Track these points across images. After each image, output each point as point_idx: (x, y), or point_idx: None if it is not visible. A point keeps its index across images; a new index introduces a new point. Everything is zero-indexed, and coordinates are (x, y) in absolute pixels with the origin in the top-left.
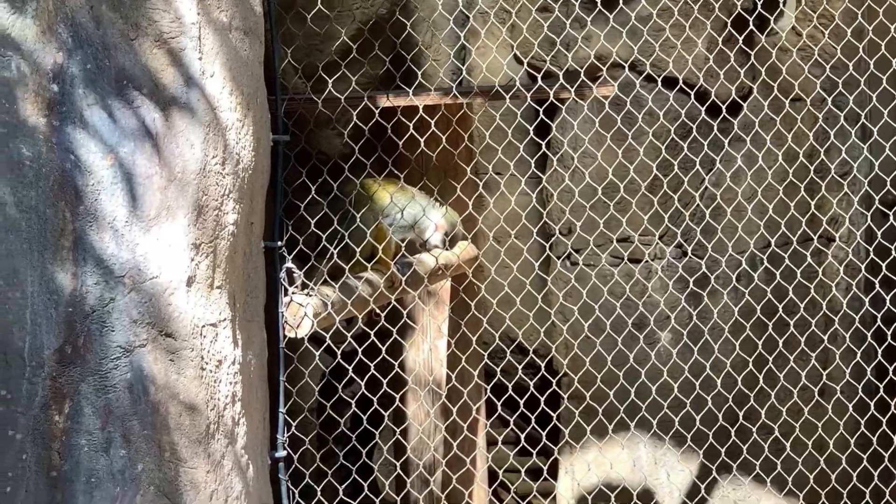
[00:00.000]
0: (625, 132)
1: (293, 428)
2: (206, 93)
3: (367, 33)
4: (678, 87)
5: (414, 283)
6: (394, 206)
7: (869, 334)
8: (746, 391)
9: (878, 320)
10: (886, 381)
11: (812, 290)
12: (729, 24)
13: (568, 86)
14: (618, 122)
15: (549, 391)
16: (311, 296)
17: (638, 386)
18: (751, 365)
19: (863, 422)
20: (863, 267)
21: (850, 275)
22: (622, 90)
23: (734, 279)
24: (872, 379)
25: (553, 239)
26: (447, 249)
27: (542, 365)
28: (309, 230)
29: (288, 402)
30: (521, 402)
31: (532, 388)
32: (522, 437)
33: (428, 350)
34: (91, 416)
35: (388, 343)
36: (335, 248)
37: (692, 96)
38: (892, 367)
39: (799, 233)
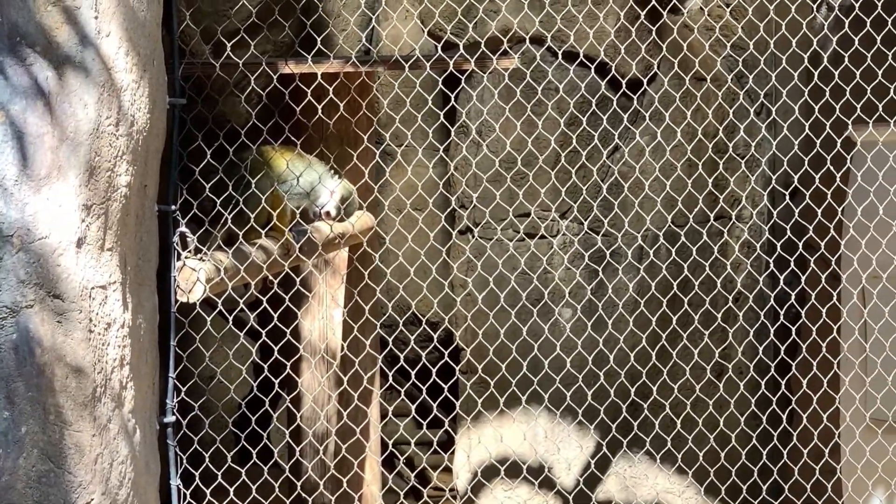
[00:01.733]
0: (527, 106)
1: (182, 394)
2: (102, 52)
3: (272, 1)
4: (582, 62)
5: (308, 251)
6: (290, 173)
7: (762, 314)
8: (642, 369)
9: (772, 300)
10: (778, 360)
11: (710, 270)
12: (634, 1)
13: (469, 57)
14: (519, 96)
15: (441, 363)
16: (203, 261)
17: (534, 361)
18: (645, 343)
19: (753, 400)
20: (758, 247)
21: (747, 255)
22: (526, 64)
23: (633, 257)
24: (765, 358)
25: (453, 211)
26: (342, 219)
27: (435, 337)
28: (204, 195)
29: (178, 368)
30: (413, 373)
31: (425, 360)
32: (413, 408)
33: (322, 319)
34: None
35: (280, 310)
36: (230, 214)
37: (595, 72)
38: (784, 346)
39: (698, 212)
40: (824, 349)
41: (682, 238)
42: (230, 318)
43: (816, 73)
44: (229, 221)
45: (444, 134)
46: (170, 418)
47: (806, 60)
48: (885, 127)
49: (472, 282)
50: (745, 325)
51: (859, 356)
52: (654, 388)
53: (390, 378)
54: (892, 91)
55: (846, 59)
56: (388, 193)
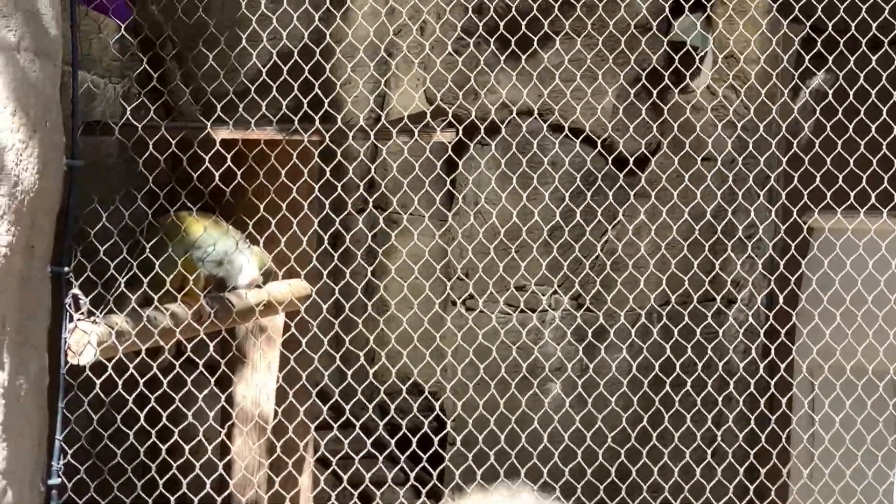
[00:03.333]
0: (528, 178)
1: (69, 456)
2: None
3: (280, 64)
4: (585, 137)
5: (222, 318)
6: (205, 240)
7: (763, 401)
8: (641, 448)
9: (772, 387)
10: (779, 448)
11: (710, 351)
12: (642, 78)
13: (413, 127)
14: (522, 167)
15: (419, 432)
16: (96, 323)
17: (529, 435)
18: (645, 421)
19: (752, 488)
20: (762, 332)
21: (748, 338)
22: (530, 136)
23: (631, 334)
24: (767, 447)
25: (453, 280)
26: (259, 285)
27: (437, 406)
28: (98, 257)
29: (66, 430)
30: (414, 442)
31: (405, 429)
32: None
33: (256, 385)
34: None
35: (216, 375)
36: (124, 277)
37: (598, 147)
38: (785, 434)
39: (700, 292)
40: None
41: (682, 318)
42: (119, 383)
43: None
44: (141, 285)
45: (449, 203)
46: (55, 480)
47: (795, 145)
48: (832, 214)
49: (468, 353)
50: (742, 408)
51: (805, 453)
52: (653, 468)
53: (368, 445)
54: (839, 179)
55: (816, 145)
56: (394, 260)
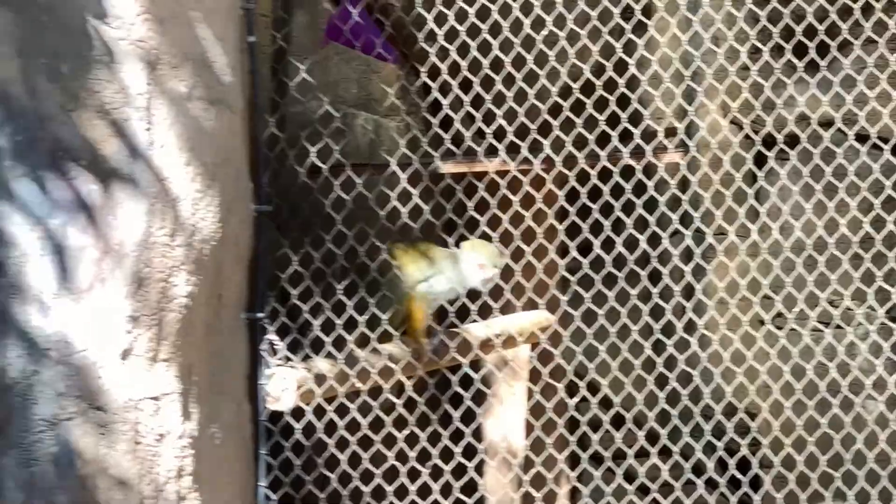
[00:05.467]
0: (833, 189)
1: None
2: (153, 164)
3: (579, 90)
4: (875, 144)
5: (443, 354)
6: (427, 271)
7: None
8: None
9: None
10: None
11: None
12: None
13: (623, 149)
14: (809, 180)
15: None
16: (294, 368)
17: (836, 456)
18: None
19: None
20: None
21: None
22: (831, 146)
23: None
24: None
25: (759, 298)
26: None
27: (727, 427)
28: (290, 303)
29: (270, 476)
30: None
31: (721, 453)
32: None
33: (503, 419)
34: (14, 489)
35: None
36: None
37: (892, 154)
38: None
39: None
40: None
41: None
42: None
43: None
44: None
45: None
46: None
47: None
48: None
49: (781, 372)
50: None
51: None
52: None
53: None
54: None
55: None
56: (709, 280)
